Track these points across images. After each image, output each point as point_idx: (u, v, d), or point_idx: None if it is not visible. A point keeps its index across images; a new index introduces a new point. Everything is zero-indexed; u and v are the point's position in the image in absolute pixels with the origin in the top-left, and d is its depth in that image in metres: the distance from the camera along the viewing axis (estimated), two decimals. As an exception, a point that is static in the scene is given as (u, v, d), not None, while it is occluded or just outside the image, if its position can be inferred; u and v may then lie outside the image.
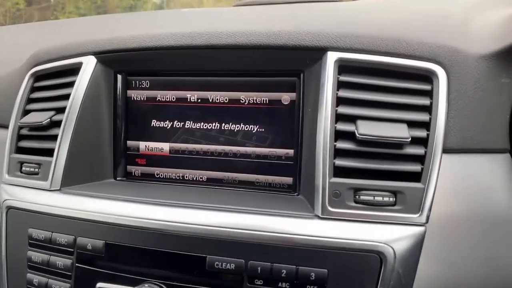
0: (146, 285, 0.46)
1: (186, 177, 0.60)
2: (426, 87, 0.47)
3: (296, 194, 0.54)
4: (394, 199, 0.45)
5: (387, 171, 0.46)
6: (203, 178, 0.59)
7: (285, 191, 0.55)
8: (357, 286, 0.43)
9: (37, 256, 0.53)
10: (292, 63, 0.53)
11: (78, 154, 0.58)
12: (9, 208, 0.57)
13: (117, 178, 0.62)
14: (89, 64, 0.59)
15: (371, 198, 0.45)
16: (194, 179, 0.60)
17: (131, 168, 0.63)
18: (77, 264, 0.51)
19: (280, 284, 0.44)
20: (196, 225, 0.47)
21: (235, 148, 0.57)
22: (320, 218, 0.46)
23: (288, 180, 0.55)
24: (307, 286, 0.43)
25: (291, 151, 0.55)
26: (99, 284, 0.49)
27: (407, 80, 0.48)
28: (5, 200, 0.58)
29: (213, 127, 0.59)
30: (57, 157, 0.57)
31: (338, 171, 0.46)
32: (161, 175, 0.61)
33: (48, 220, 0.54)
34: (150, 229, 0.48)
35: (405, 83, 0.48)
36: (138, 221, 0.49)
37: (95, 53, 0.59)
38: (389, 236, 0.43)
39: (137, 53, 0.57)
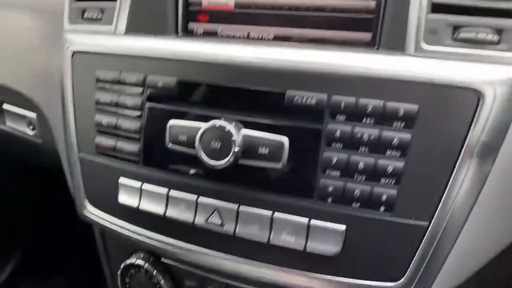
0: (222, 119, 0.44)
1: (251, 35, 0.57)
2: None
3: (376, 48, 0.50)
4: (498, 37, 0.40)
5: (492, 9, 0.41)
6: (270, 35, 0.56)
7: (363, 47, 0.51)
8: (449, 125, 0.40)
9: (105, 97, 0.53)
10: None
11: (140, 4, 0.55)
12: (75, 52, 0.56)
13: (179, 35, 0.59)
14: None
15: (472, 35, 0.40)
16: (260, 37, 0.56)
17: (193, 26, 0.59)
18: (147, 103, 0.50)
19: (364, 120, 0.42)
20: (275, 59, 0.44)
21: (307, 0, 0.53)
22: (413, 56, 0.42)
23: (367, 35, 0.51)
24: (394, 122, 0.41)
25: (372, 3, 0.50)
26: (171, 122, 0.48)
27: None
28: (69, 46, 0.56)
29: (283, -22, 0.53)
30: (120, 2, 0.54)
31: (436, 9, 0.42)
32: (225, 32, 0.58)
33: (116, 61, 0.52)
34: (226, 64, 0.46)
35: None
36: (214, 56, 0.46)
37: None
38: (490, 75, 0.39)
39: None
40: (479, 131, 0.40)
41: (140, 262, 0.59)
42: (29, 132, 0.80)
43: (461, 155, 0.40)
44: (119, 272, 0.61)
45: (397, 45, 0.44)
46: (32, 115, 0.77)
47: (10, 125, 0.83)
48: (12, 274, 1.24)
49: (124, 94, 0.52)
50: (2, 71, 0.76)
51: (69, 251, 1.35)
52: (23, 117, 0.79)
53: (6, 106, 0.82)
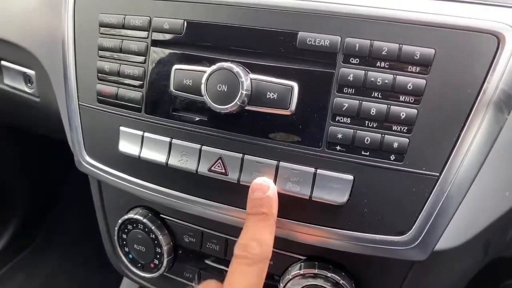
0: (228, 63, 0.43)
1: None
2: None
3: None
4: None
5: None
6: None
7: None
8: (466, 72, 0.39)
9: (108, 42, 0.51)
10: None
11: None
12: (77, -4, 0.54)
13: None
14: None
15: (494, -21, 0.39)
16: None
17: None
18: (152, 47, 0.48)
19: (378, 64, 0.40)
20: (288, -1, 0.42)
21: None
22: (431, -2, 0.41)
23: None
24: (409, 67, 0.39)
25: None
26: (176, 66, 0.47)
27: None
28: (72, -11, 0.54)
29: None
30: None
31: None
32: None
33: (120, 3, 0.50)
34: (235, 3, 0.44)
35: None
36: (223, -4, 0.45)
37: None
38: (511, 19, 0.38)
39: None
40: (497, 78, 0.38)
41: (138, 217, 0.58)
42: (27, 89, 0.78)
43: (476, 103, 0.39)
44: (116, 228, 0.60)
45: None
46: (30, 72, 0.75)
47: (8, 82, 0.81)
48: (10, 241, 1.23)
49: (128, 39, 0.50)
50: (4, 26, 0.74)
51: (65, 212, 1.35)
52: (21, 73, 0.77)
53: (4, 63, 0.80)
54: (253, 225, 0.43)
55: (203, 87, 0.44)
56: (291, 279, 0.50)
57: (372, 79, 0.40)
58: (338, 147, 0.43)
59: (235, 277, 0.41)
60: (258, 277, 0.41)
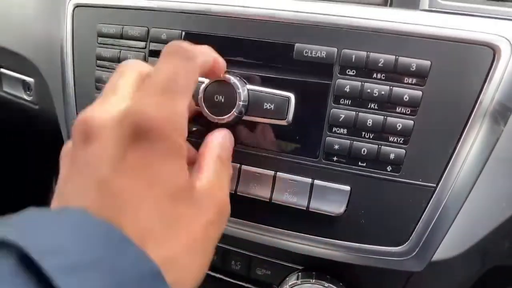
0: (225, 74, 0.43)
1: None
2: None
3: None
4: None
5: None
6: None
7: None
8: (462, 83, 0.39)
9: (107, 51, 0.51)
10: None
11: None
12: (76, 6, 0.54)
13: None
14: None
15: (490, -9, 0.39)
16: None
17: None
18: (150, 57, 0.49)
19: (374, 75, 0.40)
20: (285, 11, 0.43)
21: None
22: (427, 11, 0.41)
23: (377, -2, 0.49)
24: (406, 78, 0.40)
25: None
26: (173, 76, 0.47)
27: None
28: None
29: None
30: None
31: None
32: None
33: (118, 14, 0.50)
34: (233, 15, 0.44)
35: None
36: (220, 7, 0.45)
37: None
38: (506, 31, 0.38)
39: None
40: (493, 89, 0.38)
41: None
42: (26, 97, 0.78)
43: (473, 114, 0.39)
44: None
45: (411, 3, 0.43)
46: (29, 79, 0.76)
47: (7, 89, 0.81)
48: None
49: (126, 49, 0.50)
50: (2, 33, 0.74)
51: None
52: (20, 81, 0.77)
53: (3, 71, 0.80)
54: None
55: (200, 96, 0.44)
56: (288, 289, 0.50)
57: (369, 90, 0.40)
58: (335, 158, 0.43)
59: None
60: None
